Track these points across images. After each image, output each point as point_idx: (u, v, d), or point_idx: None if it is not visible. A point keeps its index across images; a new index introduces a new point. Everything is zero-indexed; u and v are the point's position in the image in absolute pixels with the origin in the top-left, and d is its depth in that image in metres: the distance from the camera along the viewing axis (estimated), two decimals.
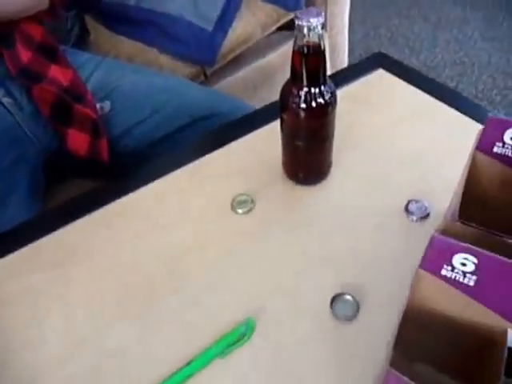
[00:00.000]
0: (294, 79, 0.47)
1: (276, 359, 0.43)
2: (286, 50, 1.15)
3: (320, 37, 0.44)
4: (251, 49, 1.09)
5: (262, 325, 0.45)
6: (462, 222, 0.36)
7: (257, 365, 0.42)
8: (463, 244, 0.27)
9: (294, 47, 0.45)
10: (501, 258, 0.27)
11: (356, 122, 0.65)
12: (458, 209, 0.37)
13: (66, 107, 0.72)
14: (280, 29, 1.15)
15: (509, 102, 1.52)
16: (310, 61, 0.45)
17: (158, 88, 0.78)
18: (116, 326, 0.46)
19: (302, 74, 0.46)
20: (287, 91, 0.48)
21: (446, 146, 0.61)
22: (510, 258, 0.33)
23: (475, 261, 0.27)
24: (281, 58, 1.12)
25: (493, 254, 0.27)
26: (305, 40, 0.44)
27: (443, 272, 0.29)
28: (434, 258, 0.29)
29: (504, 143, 0.37)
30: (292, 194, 0.57)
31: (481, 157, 0.38)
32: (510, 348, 0.30)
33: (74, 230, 0.55)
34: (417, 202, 0.54)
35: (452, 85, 1.61)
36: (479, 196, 0.38)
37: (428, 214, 0.53)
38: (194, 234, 0.53)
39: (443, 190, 0.54)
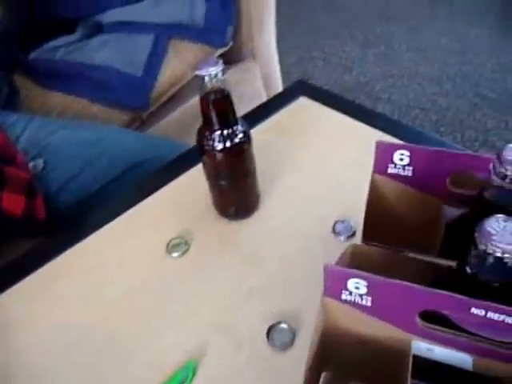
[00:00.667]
0: (206, 124, 0.50)
1: None
2: None
3: (222, 82, 0.46)
4: (183, 88, 1.12)
5: (203, 365, 0.46)
6: (366, 244, 0.39)
7: None
8: (352, 270, 0.29)
9: (200, 95, 0.47)
10: (385, 279, 0.29)
11: (281, 152, 0.68)
12: (363, 229, 0.39)
13: None
14: None
15: (439, 107, 1.61)
16: (216, 105, 0.48)
17: (89, 141, 0.79)
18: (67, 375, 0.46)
19: (212, 118, 0.48)
20: (201, 135, 0.51)
21: (368, 165, 0.64)
22: (409, 271, 0.36)
23: (365, 283, 0.29)
24: None
25: (378, 277, 0.29)
26: (208, 87, 0.46)
27: (343, 296, 0.31)
28: (333, 285, 0.31)
29: (395, 164, 0.40)
30: (225, 230, 0.58)
31: (378, 178, 0.41)
32: (415, 355, 0.33)
33: (14, 294, 0.55)
34: (343, 222, 0.57)
35: (385, 97, 1.69)
36: (381, 214, 0.41)
37: (354, 233, 0.56)
38: (132, 282, 0.54)
39: None
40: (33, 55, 1.03)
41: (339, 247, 0.55)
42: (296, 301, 0.50)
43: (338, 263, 0.35)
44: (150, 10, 1.08)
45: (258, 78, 1.29)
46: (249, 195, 0.57)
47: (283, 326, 0.47)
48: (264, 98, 1.37)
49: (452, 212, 0.40)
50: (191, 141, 1.12)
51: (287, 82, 1.52)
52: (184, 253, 0.56)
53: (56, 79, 1.01)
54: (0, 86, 1.02)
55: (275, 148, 0.68)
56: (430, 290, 0.29)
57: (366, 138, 0.69)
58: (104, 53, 1.02)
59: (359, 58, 1.94)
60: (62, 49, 1.03)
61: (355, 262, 0.39)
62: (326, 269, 0.30)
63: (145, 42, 1.05)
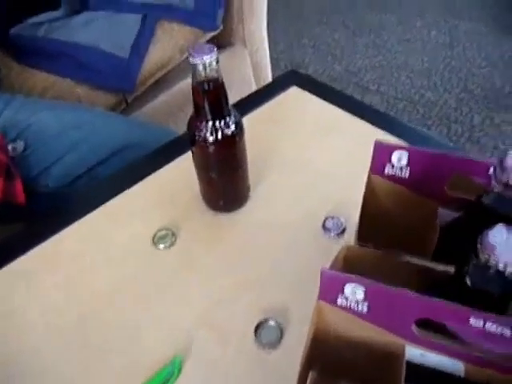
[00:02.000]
0: (198, 114, 0.48)
1: None
2: None
3: (216, 71, 0.45)
4: (172, 71, 1.09)
5: (189, 361, 0.45)
6: (360, 244, 0.38)
7: None
8: (350, 275, 0.29)
9: (192, 83, 0.46)
10: (383, 285, 0.28)
11: (272, 142, 0.67)
12: (357, 229, 0.39)
13: None
14: None
15: (426, 100, 1.61)
16: (209, 95, 0.46)
17: (73, 124, 0.76)
18: (49, 371, 0.44)
19: (205, 108, 0.47)
20: (193, 125, 0.49)
21: (358, 159, 0.63)
22: (402, 277, 0.35)
23: (363, 289, 0.29)
24: None
25: (377, 283, 0.28)
26: (202, 76, 0.44)
27: (339, 301, 0.31)
28: (329, 290, 0.30)
29: (393, 165, 0.39)
30: (213, 223, 0.57)
31: (375, 179, 0.40)
32: (408, 361, 0.32)
33: None
34: (333, 218, 0.56)
35: (373, 88, 1.69)
36: (376, 216, 0.40)
37: (344, 230, 0.55)
38: (118, 274, 0.52)
39: (358, 203, 0.56)
40: (13, 31, 0.99)
41: (329, 243, 0.55)
42: (284, 297, 0.49)
43: (332, 266, 0.34)
44: None
45: (247, 64, 1.27)
46: (238, 188, 0.56)
47: (271, 323, 0.47)
48: (253, 85, 1.35)
49: (447, 215, 0.40)
50: (177, 125, 1.10)
51: (276, 69, 1.50)
52: (171, 245, 0.54)
53: (38, 57, 0.97)
54: None
55: (265, 138, 0.67)
56: (429, 298, 0.28)
57: (357, 130, 0.69)
58: (89, 32, 0.98)
59: (349, 47, 1.93)
60: (44, 25, 0.98)
61: (348, 263, 0.38)
62: (322, 273, 0.29)
63: (132, 22, 1.02)
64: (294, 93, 0.76)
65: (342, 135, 0.67)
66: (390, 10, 2.13)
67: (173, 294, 0.50)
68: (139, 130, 0.82)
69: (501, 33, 1.87)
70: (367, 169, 0.59)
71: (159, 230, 0.55)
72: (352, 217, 0.56)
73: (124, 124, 0.83)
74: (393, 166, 0.39)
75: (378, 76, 1.74)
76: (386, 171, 0.39)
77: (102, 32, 0.99)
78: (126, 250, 0.55)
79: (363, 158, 0.64)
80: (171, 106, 1.09)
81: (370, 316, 0.30)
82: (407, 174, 0.39)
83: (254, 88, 1.37)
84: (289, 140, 0.67)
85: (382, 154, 0.38)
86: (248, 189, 0.57)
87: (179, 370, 0.44)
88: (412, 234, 0.40)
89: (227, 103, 0.48)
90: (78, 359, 0.46)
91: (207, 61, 0.43)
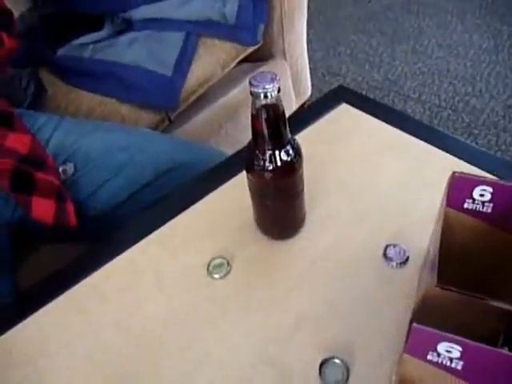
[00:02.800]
0: (256, 141, 0.46)
1: None
2: (246, 84, 1.15)
3: (277, 99, 0.43)
4: (212, 87, 1.08)
5: None
6: (441, 288, 0.35)
7: None
8: (446, 334, 0.26)
9: (252, 111, 0.44)
10: (484, 346, 0.26)
11: (326, 164, 0.64)
12: (436, 267, 0.36)
13: (26, 176, 0.69)
14: (239, 62, 1.15)
15: (471, 108, 1.55)
16: (269, 124, 0.44)
17: (118, 146, 0.76)
18: None
19: (264, 136, 0.45)
20: (251, 153, 0.47)
21: (417, 182, 0.61)
22: (489, 322, 0.32)
23: (460, 349, 0.26)
24: (242, 92, 1.12)
25: (476, 343, 0.26)
26: (262, 105, 0.43)
27: (429, 357, 0.28)
28: (419, 345, 0.28)
29: (474, 200, 0.36)
30: (267, 250, 0.55)
31: (452, 213, 0.37)
32: None
33: (46, 317, 0.52)
34: (395, 246, 0.53)
35: (415, 96, 1.64)
36: (455, 254, 0.37)
37: (407, 259, 0.52)
38: (171, 306, 0.51)
39: (420, 229, 0.53)
40: (60, 52, 1.00)
41: (391, 273, 0.52)
42: (347, 332, 0.47)
43: (414, 311, 0.32)
44: (179, 7, 1.04)
45: (287, 76, 1.26)
46: (294, 216, 0.54)
47: (336, 361, 0.44)
48: (293, 97, 1.33)
49: None
50: (218, 143, 1.09)
51: (314, 79, 1.48)
52: (226, 274, 0.53)
53: (84, 78, 0.98)
54: (26, 84, 1.00)
55: (318, 160, 0.64)
56: None
57: (412, 150, 0.65)
58: (133, 51, 0.99)
59: (387, 53, 1.88)
60: (90, 46, 1.00)
61: (426, 307, 0.35)
62: (414, 329, 0.27)
63: (175, 39, 1.02)
64: (344, 110, 0.73)
65: (397, 156, 0.64)
66: (427, 14, 2.07)
67: (229, 327, 0.49)
68: (184, 150, 0.81)
69: None
70: (427, 192, 0.57)
71: (213, 259, 0.54)
72: (415, 244, 0.53)
73: (169, 144, 0.82)
74: (474, 201, 0.36)
75: (419, 83, 1.69)
76: (466, 206, 0.37)
77: (145, 51, 0.99)
78: (180, 279, 0.54)
79: (423, 181, 0.62)
80: (212, 123, 1.09)
81: (465, 374, 0.28)
82: (490, 209, 0.36)
83: (293, 99, 1.35)
84: (342, 162, 0.64)
85: (462, 187, 0.36)
86: (304, 215, 0.55)
87: None
88: (496, 274, 0.37)
89: (287, 131, 0.46)
90: None
91: (269, 90, 0.41)
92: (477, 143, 1.42)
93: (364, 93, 1.55)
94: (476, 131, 1.47)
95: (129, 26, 1.03)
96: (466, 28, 1.95)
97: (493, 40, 1.85)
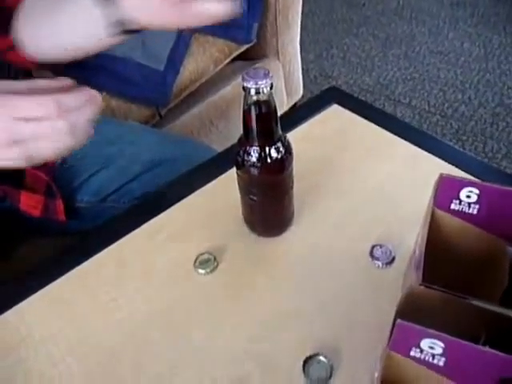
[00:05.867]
0: (247, 137, 0.46)
1: None
2: (238, 82, 1.15)
3: (269, 96, 0.43)
4: (204, 84, 1.08)
5: None
6: (426, 286, 0.36)
7: None
8: (429, 330, 0.26)
9: (243, 107, 0.44)
10: (466, 343, 0.26)
11: (315, 163, 0.65)
12: (421, 266, 0.36)
13: (15, 170, 0.69)
14: (231, 60, 1.15)
15: (460, 115, 1.57)
16: (261, 120, 0.44)
17: (108, 139, 0.76)
18: None
19: (254, 133, 0.45)
20: (241, 149, 0.47)
21: (405, 183, 0.61)
22: (472, 321, 0.33)
23: (442, 345, 0.26)
24: (234, 90, 1.12)
25: (458, 340, 0.26)
26: (254, 101, 0.43)
27: (412, 353, 0.29)
28: (402, 342, 0.28)
29: (460, 200, 0.36)
30: (255, 248, 0.55)
31: (439, 213, 0.38)
32: None
33: (30, 308, 0.52)
34: (381, 246, 0.54)
35: (405, 101, 1.65)
36: (441, 253, 0.38)
37: (393, 259, 0.53)
38: (157, 301, 0.51)
39: (406, 230, 0.54)
40: None
41: (378, 273, 0.53)
42: (333, 330, 0.47)
43: (398, 309, 0.32)
44: None
45: (280, 76, 1.26)
46: (283, 214, 0.54)
47: (321, 358, 0.45)
48: (284, 98, 1.34)
49: None
50: (209, 139, 1.09)
51: (305, 80, 1.48)
52: (213, 270, 0.53)
53: (74, 69, 0.97)
54: (14, 75, 0.98)
55: (307, 160, 0.64)
56: None
57: (401, 152, 0.66)
58: (125, 44, 0.97)
59: (379, 58, 1.90)
60: None
61: (413, 305, 0.36)
62: (398, 325, 0.27)
63: (168, 34, 1.01)
64: (335, 111, 0.74)
65: (386, 157, 0.65)
66: (420, 21, 2.09)
67: (215, 322, 0.49)
68: (173, 145, 0.81)
69: None
70: (414, 194, 0.57)
71: (201, 254, 0.54)
72: (401, 245, 0.54)
73: (158, 138, 0.82)
74: (460, 202, 0.37)
75: (410, 88, 1.71)
76: (452, 206, 0.37)
77: (137, 44, 0.99)
78: (167, 274, 0.53)
79: (410, 183, 0.62)
80: (203, 119, 1.08)
81: (447, 371, 0.28)
82: (476, 211, 0.37)
83: (285, 100, 1.35)
84: (332, 162, 0.65)
85: (449, 188, 0.36)
86: (292, 214, 0.56)
87: None
88: (479, 273, 0.37)
89: (278, 128, 0.46)
90: None
91: (262, 86, 0.41)
92: (464, 149, 1.44)
93: (355, 96, 1.56)
94: (464, 137, 1.48)
95: None
96: (457, 35, 1.97)
97: (483, 48, 1.87)
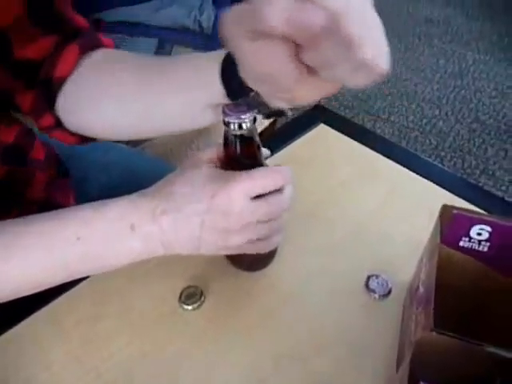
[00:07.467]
0: (226, 170, 0.43)
1: None
2: None
3: (251, 130, 0.40)
4: None
5: None
6: (438, 332, 0.33)
7: None
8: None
9: (224, 140, 0.41)
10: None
11: (303, 186, 0.62)
12: (431, 309, 0.34)
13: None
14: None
15: (438, 131, 1.59)
16: (243, 155, 0.41)
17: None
18: None
19: (235, 167, 0.42)
20: None
21: (397, 208, 0.59)
22: (487, 364, 0.31)
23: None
24: None
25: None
26: (235, 134, 0.39)
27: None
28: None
29: (470, 238, 0.34)
30: (243, 280, 0.52)
31: (447, 251, 0.36)
32: None
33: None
34: (377, 277, 0.51)
35: (384, 116, 1.66)
36: (449, 292, 0.35)
37: (390, 291, 0.50)
38: (137, 342, 0.47)
39: (402, 258, 0.52)
40: None
41: (374, 306, 0.50)
42: (329, 370, 0.44)
43: (413, 360, 0.29)
44: (154, 12, 1.00)
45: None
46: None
47: None
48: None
49: None
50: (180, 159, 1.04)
51: None
52: (199, 306, 0.49)
53: None
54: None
55: (295, 183, 0.62)
56: None
57: (392, 175, 0.64)
58: None
59: None
60: None
61: (423, 351, 0.33)
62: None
63: (147, 46, 0.98)
64: (322, 131, 0.72)
65: (376, 181, 0.63)
66: (395, 36, 2.12)
67: (201, 363, 0.45)
68: (141, 161, 0.77)
69: (510, 64, 1.85)
70: (407, 218, 0.55)
71: (186, 288, 0.50)
72: (397, 275, 0.51)
73: (128, 154, 0.78)
74: (470, 239, 0.34)
75: (388, 104, 1.71)
76: (462, 243, 0.35)
77: None
78: (148, 311, 0.49)
79: (400, 207, 0.60)
80: (184, 138, 1.05)
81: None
82: (486, 248, 0.34)
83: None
84: (320, 186, 0.62)
85: (459, 225, 0.34)
86: (276, 248, 0.52)
87: None
88: (492, 316, 0.35)
89: (261, 159, 0.43)
90: None
91: (245, 121, 0.38)
92: (443, 165, 1.44)
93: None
94: (443, 153, 1.49)
95: (98, 27, 0.98)
96: (432, 52, 2.00)
97: (458, 65, 1.90)
